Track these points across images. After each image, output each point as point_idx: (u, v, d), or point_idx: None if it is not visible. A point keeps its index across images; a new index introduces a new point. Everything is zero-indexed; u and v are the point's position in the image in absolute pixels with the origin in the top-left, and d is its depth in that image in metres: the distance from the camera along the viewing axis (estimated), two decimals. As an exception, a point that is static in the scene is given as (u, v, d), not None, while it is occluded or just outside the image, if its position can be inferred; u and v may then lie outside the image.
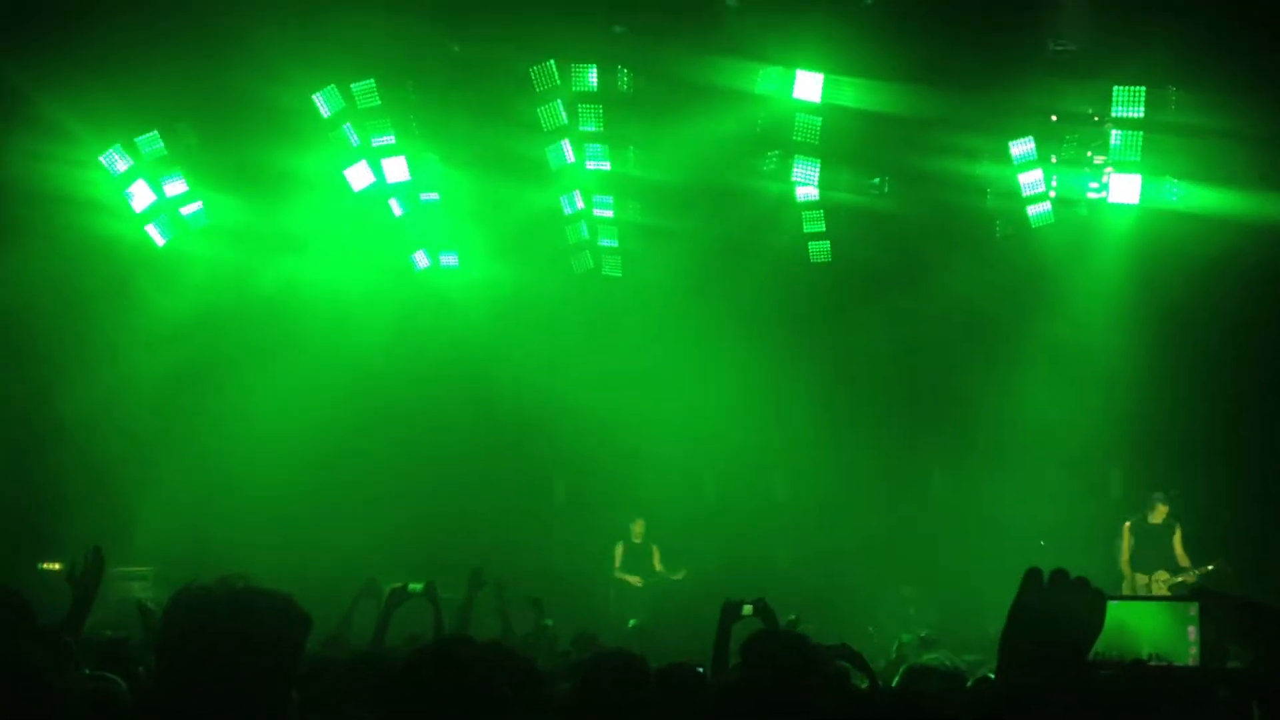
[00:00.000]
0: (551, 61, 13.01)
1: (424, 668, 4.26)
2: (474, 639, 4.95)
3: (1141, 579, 12.48)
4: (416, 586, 6.75)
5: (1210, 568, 12.07)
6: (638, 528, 14.27)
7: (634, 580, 14.00)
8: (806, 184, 13.75)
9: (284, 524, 13.43)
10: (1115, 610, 2.08)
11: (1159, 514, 12.58)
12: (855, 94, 12.85)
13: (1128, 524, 12.76)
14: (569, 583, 13.30)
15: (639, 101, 13.42)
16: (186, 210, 14.28)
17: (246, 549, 12.01)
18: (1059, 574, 2.04)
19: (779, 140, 13.41)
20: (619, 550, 14.26)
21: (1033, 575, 2.06)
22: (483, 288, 14.70)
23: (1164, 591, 12.20)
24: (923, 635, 9.59)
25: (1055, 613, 2.03)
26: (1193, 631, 1.95)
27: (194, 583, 2.63)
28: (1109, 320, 13.33)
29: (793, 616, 7.89)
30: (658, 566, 14.17)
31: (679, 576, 14.00)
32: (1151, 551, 12.57)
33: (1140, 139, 12.49)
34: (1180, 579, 12.32)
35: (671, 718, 4.32)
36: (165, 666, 2.60)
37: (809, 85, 12.79)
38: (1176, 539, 12.52)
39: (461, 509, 14.39)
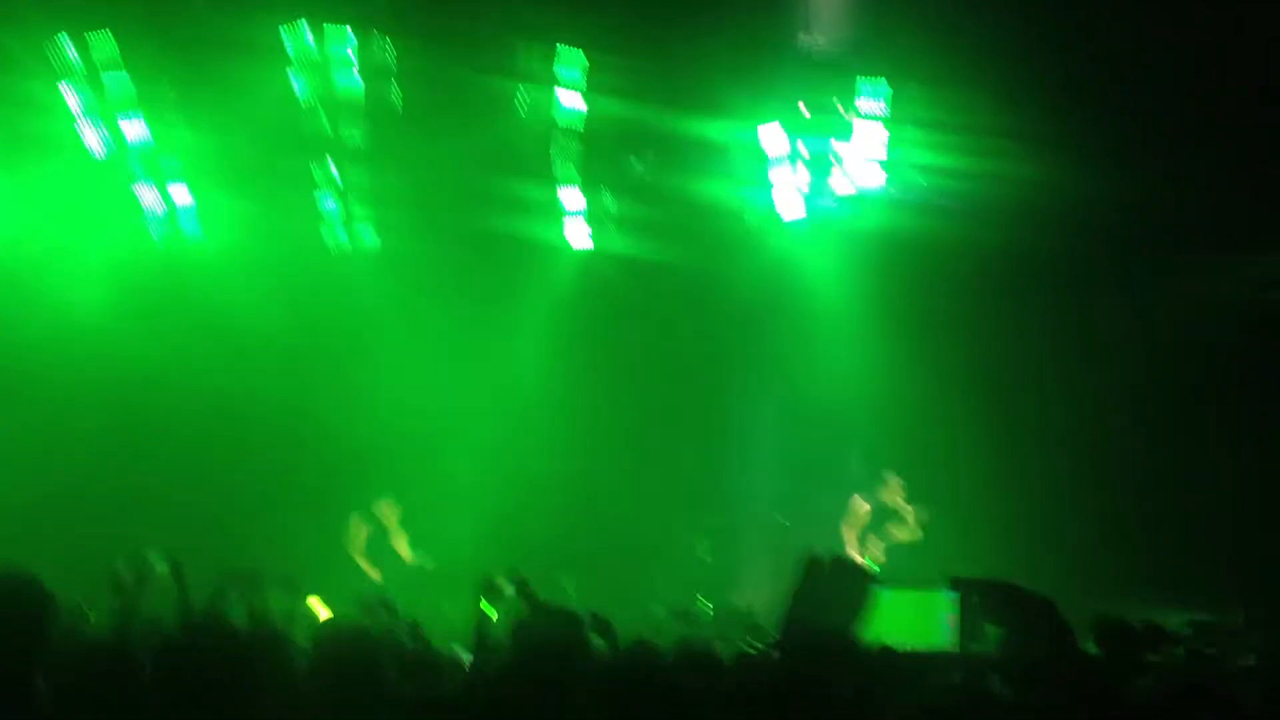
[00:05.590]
0: (303, 20, 12.53)
1: (176, 657, 4.07)
2: (228, 623, 4.77)
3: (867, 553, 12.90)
4: (161, 565, 6.32)
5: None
6: (388, 511, 13.20)
7: (374, 574, 13.24)
8: (565, 174, 13.79)
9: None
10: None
11: (890, 493, 12.97)
12: (616, 78, 12.94)
13: (862, 500, 13.03)
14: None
15: (397, 71, 13.10)
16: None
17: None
18: (838, 560, 2.12)
19: (540, 120, 13.38)
20: (361, 530, 13.13)
21: (815, 564, 2.13)
22: (228, 259, 14.04)
23: (879, 555, 12.73)
24: (675, 610, 9.81)
25: (833, 597, 2.10)
26: (951, 619, 2.03)
27: None
28: (849, 306, 13.90)
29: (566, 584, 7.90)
30: (405, 555, 13.28)
31: (430, 566, 13.29)
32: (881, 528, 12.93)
33: (883, 131, 13.09)
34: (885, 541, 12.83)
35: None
36: None
37: (570, 61, 12.81)
38: (907, 517, 12.89)
39: (204, 493, 13.69)
